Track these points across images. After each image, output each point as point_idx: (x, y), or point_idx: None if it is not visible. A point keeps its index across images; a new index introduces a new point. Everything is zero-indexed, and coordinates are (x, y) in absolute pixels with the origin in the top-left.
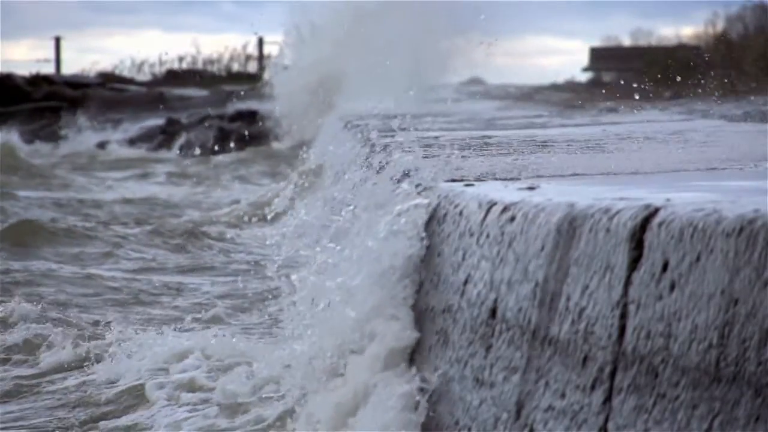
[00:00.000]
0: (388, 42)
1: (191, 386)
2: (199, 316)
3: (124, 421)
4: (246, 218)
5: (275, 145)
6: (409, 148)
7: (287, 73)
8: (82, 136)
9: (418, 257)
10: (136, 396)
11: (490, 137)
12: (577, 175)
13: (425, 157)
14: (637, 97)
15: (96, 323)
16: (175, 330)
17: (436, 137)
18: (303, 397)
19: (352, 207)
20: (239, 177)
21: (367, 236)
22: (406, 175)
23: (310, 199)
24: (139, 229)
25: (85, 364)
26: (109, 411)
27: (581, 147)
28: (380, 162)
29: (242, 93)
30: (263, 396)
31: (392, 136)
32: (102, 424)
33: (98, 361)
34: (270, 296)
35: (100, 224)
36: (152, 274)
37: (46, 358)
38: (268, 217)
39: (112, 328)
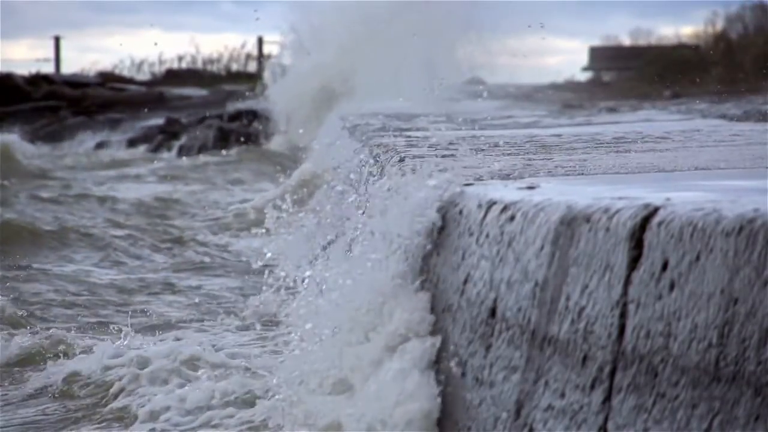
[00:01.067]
0: (390, 43)
1: (188, 377)
2: (191, 316)
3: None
4: (243, 224)
5: (274, 145)
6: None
7: (287, 77)
8: (82, 135)
9: (434, 229)
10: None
11: (500, 136)
12: (583, 174)
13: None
14: (636, 97)
15: (73, 323)
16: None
17: (428, 137)
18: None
19: (360, 210)
20: (237, 179)
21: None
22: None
23: (312, 205)
24: (124, 232)
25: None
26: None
27: (600, 145)
28: (387, 164)
29: (245, 93)
30: (262, 394)
31: (393, 137)
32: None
33: (68, 357)
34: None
35: (90, 226)
36: (137, 276)
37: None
38: (263, 226)
39: (74, 327)
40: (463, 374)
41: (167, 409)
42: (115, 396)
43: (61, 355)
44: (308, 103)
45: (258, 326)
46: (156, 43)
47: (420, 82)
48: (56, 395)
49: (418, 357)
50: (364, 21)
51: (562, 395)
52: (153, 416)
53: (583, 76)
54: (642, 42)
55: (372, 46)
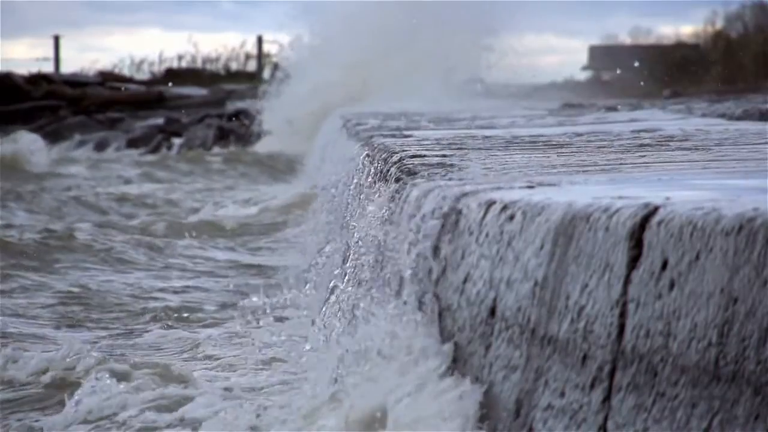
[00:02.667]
0: (403, 58)
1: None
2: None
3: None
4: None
5: (272, 145)
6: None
7: (282, 99)
8: (81, 135)
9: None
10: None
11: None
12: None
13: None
14: (635, 96)
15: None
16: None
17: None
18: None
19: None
20: (228, 185)
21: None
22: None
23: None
24: (107, 233)
25: None
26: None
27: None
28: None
29: (245, 93)
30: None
31: (393, 137)
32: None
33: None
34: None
35: (77, 229)
36: (123, 278)
37: None
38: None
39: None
40: (463, 374)
41: (109, 404)
42: (60, 389)
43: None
44: (305, 127)
45: (240, 327)
46: (155, 50)
47: (430, 89)
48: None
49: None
50: (375, 36)
51: (562, 394)
52: (91, 414)
53: (583, 76)
54: (642, 41)
55: (383, 64)
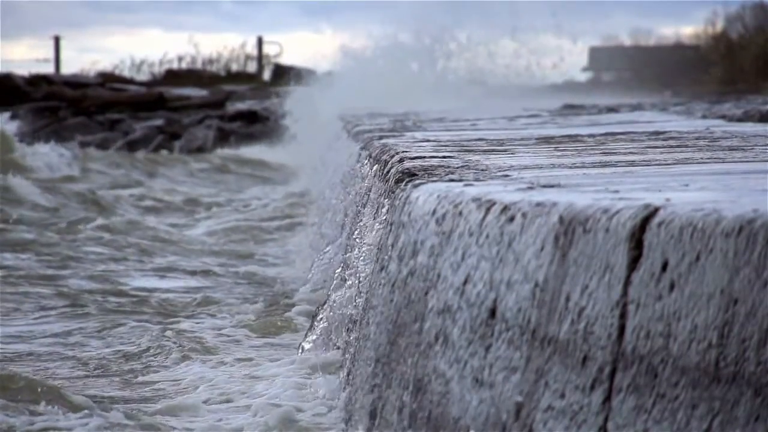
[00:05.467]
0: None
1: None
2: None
3: None
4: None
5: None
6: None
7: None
8: (82, 136)
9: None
10: None
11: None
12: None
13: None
14: (636, 97)
15: None
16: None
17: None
18: None
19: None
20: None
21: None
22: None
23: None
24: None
25: None
26: None
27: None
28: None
29: (242, 93)
30: None
31: (395, 137)
32: None
33: None
34: None
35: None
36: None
37: None
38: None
39: None
40: (463, 375)
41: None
42: None
43: None
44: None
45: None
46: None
47: (435, 91)
48: None
49: None
50: (393, 76)
51: (562, 396)
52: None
53: (583, 77)
54: (642, 42)
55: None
